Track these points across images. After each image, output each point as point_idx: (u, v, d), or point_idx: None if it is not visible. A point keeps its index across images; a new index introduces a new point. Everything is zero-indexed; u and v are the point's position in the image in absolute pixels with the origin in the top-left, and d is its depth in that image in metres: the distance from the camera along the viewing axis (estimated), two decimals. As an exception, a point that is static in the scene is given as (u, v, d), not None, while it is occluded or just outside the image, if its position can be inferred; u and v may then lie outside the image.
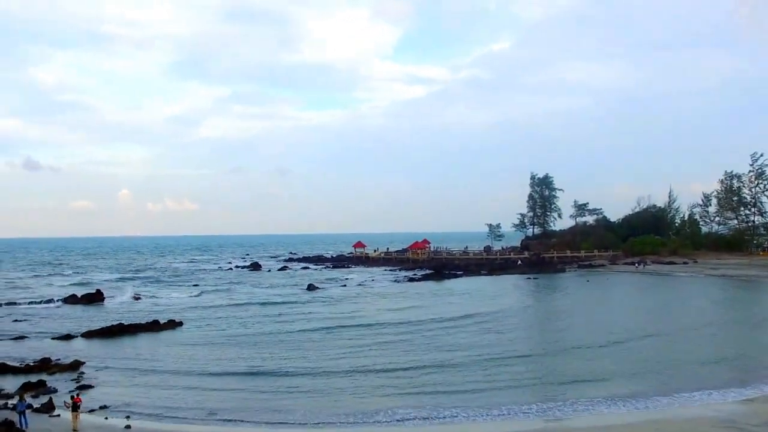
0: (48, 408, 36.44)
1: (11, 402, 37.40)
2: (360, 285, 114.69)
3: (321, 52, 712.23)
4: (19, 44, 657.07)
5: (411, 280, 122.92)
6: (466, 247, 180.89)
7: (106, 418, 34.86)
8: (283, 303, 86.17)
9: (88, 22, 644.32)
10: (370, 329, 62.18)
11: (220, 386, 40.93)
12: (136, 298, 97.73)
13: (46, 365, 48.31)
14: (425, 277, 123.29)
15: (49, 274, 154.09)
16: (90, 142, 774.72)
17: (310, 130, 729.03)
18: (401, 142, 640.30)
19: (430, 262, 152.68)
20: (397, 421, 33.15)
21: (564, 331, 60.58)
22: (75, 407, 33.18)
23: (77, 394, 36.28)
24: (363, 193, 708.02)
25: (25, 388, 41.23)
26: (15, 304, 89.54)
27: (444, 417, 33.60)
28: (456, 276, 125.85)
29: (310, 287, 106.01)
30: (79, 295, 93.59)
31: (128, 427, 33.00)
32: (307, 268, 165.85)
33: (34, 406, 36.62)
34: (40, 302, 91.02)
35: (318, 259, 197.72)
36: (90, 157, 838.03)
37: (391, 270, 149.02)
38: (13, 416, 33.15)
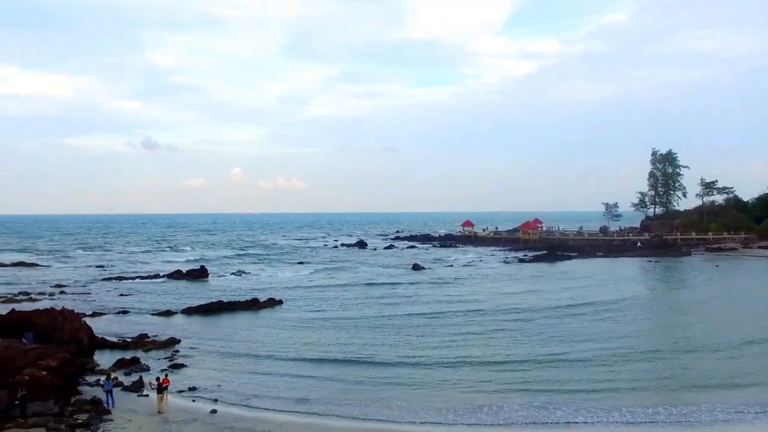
0: (138, 386, 36.07)
1: (102, 379, 37.37)
2: (467, 265, 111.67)
3: (429, 29, 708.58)
4: (136, 29, 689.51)
5: (521, 261, 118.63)
6: (581, 228, 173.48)
7: (193, 401, 34.17)
8: (387, 284, 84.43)
9: (201, 5, 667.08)
10: (477, 315, 59.07)
11: (313, 373, 39.35)
12: (240, 274, 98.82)
13: (142, 342, 48.48)
14: (536, 258, 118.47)
15: (161, 250, 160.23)
16: (204, 122, 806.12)
17: (417, 108, 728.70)
18: (512, 119, 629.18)
19: (541, 243, 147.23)
20: (502, 423, 30.14)
21: (694, 325, 53.74)
22: (161, 389, 32.34)
23: (166, 375, 35.57)
24: (471, 171, 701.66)
25: (119, 364, 41.38)
26: (123, 278, 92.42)
27: (557, 421, 30.30)
28: (569, 257, 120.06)
29: (416, 267, 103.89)
30: (184, 271, 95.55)
31: (214, 411, 31.95)
32: (414, 247, 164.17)
33: (125, 384, 36.45)
34: (147, 277, 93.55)
35: (425, 238, 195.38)
36: (204, 136, 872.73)
37: (500, 250, 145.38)
38: (103, 394, 33.03)
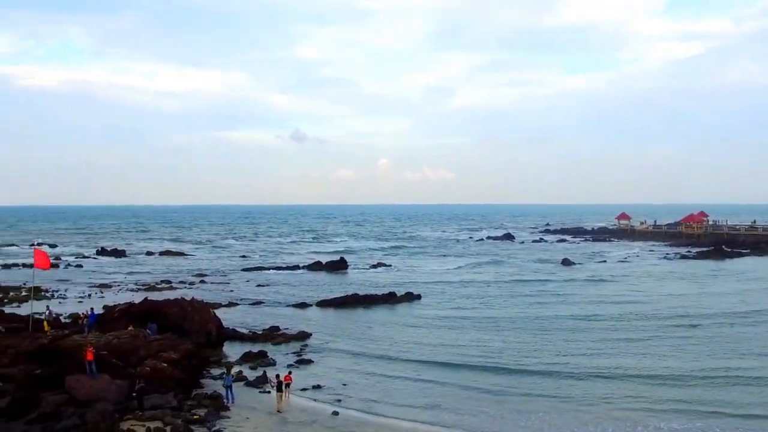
0: (261, 382, 34.86)
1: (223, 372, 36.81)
2: (623, 261, 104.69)
3: (582, 12, 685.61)
4: (286, 24, 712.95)
5: (684, 257, 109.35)
6: (754, 222, 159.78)
7: (315, 400, 32.52)
8: (534, 281, 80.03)
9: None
10: (634, 319, 53.65)
11: (446, 379, 36.47)
12: (381, 267, 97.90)
13: (272, 335, 47.77)
14: (701, 255, 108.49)
15: (308, 240, 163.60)
16: (351, 114, 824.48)
17: (569, 96, 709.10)
18: (673, 105, 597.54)
19: (706, 238, 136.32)
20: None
21: None
22: (280, 387, 30.93)
23: (289, 372, 34.15)
24: (626, 161, 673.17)
25: (245, 357, 40.62)
26: (263, 269, 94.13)
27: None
28: (740, 255, 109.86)
29: (566, 262, 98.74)
30: (323, 262, 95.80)
31: (335, 413, 30.11)
32: (564, 240, 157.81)
33: (249, 379, 35.52)
34: (286, 268, 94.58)
35: (576, 231, 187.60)
36: (351, 128, 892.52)
37: (659, 245, 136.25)
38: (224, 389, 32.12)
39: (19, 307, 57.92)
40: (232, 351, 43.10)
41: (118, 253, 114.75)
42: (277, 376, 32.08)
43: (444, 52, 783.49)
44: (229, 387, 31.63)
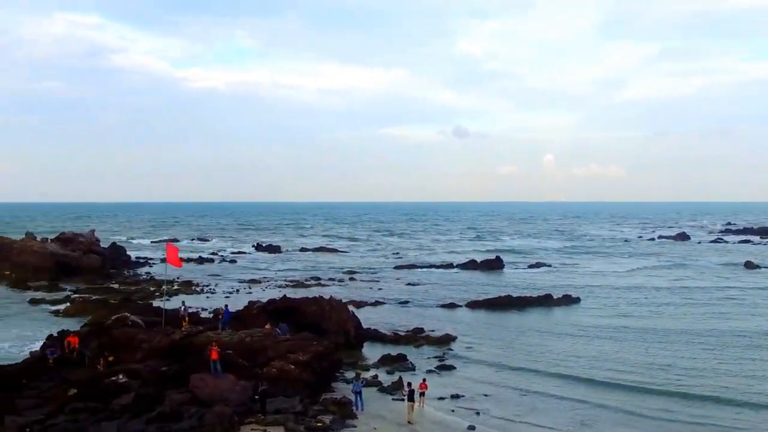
0: (395, 388, 33.17)
1: (366, 376, 35.52)
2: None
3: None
4: (446, 19, 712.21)
5: None
6: None
7: (452, 411, 30.47)
8: (712, 287, 72.54)
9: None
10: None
11: (601, 400, 32.68)
12: (540, 266, 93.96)
13: (414, 337, 46.15)
14: None
15: (468, 239, 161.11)
16: (514, 109, 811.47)
17: (755, 84, 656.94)
18: None
19: None
20: None
21: None
22: (411, 396, 29.05)
23: (424, 380, 32.13)
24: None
25: (383, 360, 39.20)
26: (415, 267, 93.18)
27: None
28: None
29: (749, 265, 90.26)
30: (478, 261, 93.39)
31: (471, 428, 27.86)
32: (748, 242, 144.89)
33: (383, 384, 34.00)
34: (439, 266, 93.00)
35: (763, 232, 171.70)
36: (515, 122, 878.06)
37: None
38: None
39: (168, 300, 60.02)
40: (372, 352, 41.87)
41: (273, 249, 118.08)
42: (409, 384, 30.30)
43: (613, 42, 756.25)
44: (358, 393, 30.16)
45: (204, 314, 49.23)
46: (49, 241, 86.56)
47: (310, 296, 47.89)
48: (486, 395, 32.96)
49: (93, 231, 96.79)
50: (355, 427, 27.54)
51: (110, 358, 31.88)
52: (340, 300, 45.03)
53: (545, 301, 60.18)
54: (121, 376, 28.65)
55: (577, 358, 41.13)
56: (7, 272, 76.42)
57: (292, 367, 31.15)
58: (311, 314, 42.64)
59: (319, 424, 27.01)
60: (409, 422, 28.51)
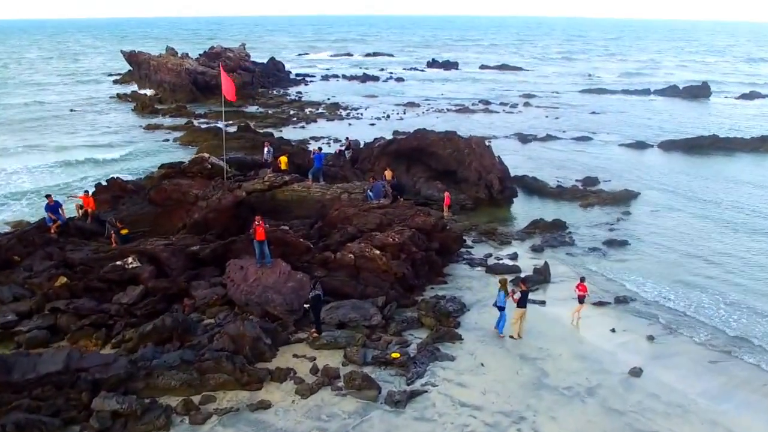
0: (541, 274, 22.48)
1: (502, 253, 25.18)
2: None
3: None
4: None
5: None
6: None
7: (612, 331, 18.89)
8: None
9: None
10: None
11: None
12: (751, 96, 75.12)
13: (584, 191, 34.50)
14: None
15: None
16: None
17: None
18: None
19: None
20: None
21: None
22: (523, 302, 18.24)
23: (582, 279, 21.36)
24: None
25: (533, 226, 28.31)
26: (605, 92, 77.40)
27: None
28: None
29: None
30: (680, 87, 76.71)
31: (635, 373, 16.48)
32: None
33: (521, 274, 23.24)
34: (633, 92, 76.77)
35: None
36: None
37: None
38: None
39: (303, 128, 51.37)
40: (522, 210, 31.00)
41: (449, 66, 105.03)
42: (524, 280, 19.28)
43: None
44: (502, 308, 18.29)
45: (326, 150, 39.05)
46: (188, 57, 76.01)
47: (472, 125, 36.52)
48: (667, 298, 21.21)
49: (243, 45, 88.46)
50: (453, 359, 16.62)
51: (123, 231, 22.44)
52: (484, 142, 33.55)
53: (761, 146, 45.37)
54: (130, 260, 19.15)
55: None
56: (142, 92, 69.69)
57: (377, 252, 19.92)
58: (445, 158, 31.83)
59: (394, 355, 16.42)
60: (512, 336, 17.90)
